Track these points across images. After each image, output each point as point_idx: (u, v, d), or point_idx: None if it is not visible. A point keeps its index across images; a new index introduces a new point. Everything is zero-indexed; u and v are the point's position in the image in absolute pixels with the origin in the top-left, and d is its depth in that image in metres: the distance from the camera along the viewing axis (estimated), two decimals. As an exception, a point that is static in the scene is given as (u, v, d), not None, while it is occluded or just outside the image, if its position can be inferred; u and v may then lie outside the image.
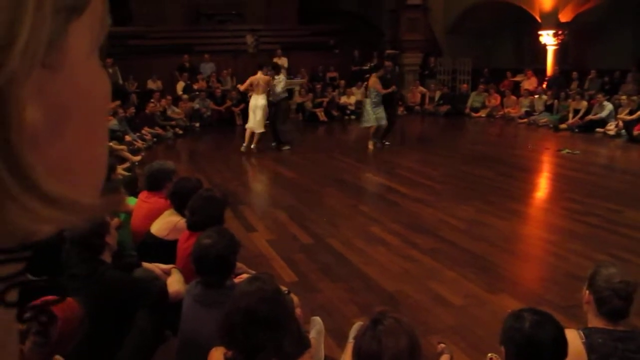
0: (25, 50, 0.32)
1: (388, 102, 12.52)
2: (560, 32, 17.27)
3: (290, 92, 17.84)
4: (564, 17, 17.06)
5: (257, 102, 12.25)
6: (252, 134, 12.39)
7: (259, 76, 12.27)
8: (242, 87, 13.09)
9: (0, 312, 0.39)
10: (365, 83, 13.24)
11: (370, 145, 12.62)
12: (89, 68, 0.39)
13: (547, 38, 17.53)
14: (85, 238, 3.25)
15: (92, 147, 0.40)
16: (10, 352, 0.43)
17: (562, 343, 2.27)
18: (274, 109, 12.63)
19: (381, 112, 12.29)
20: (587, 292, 2.70)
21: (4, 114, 0.32)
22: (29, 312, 0.46)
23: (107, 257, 3.42)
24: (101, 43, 0.40)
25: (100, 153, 0.42)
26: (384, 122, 12.43)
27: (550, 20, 17.21)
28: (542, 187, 9.99)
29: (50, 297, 2.18)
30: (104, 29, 0.40)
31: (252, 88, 12.39)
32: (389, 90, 12.37)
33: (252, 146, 12.39)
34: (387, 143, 13.01)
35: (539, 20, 17.56)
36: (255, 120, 12.25)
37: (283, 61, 18.69)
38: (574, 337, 2.54)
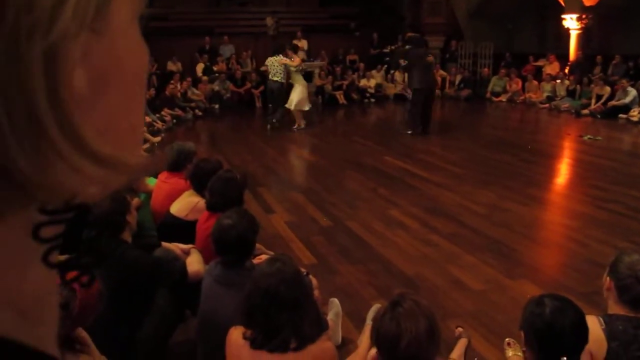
0: (76, 10, 0.32)
1: None
2: (584, 17, 17.02)
3: (309, 74, 17.89)
4: (589, 0, 16.81)
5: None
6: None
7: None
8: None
9: (43, 274, 0.40)
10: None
11: None
12: (129, 35, 0.40)
13: (571, 22, 17.29)
14: (105, 217, 3.27)
15: (132, 111, 0.41)
16: (53, 314, 0.44)
17: (583, 329, 2.26)
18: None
19: None
20: (608, 278, 2.68)
21: (55, 71, 0.32)
22: (67, 272, 0.47)
23: (127, 236, 3.44)
24: (141, 12, 0.41)
25: (139, 118, 0.43)
26: None
27: (574, 4, 16.97)
28: (564, 173, 9.90)
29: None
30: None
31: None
32: None
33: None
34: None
35: (563, 4, 17.32)
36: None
37: (303, 43, 18.67)
38: (593, 324, 2.52)
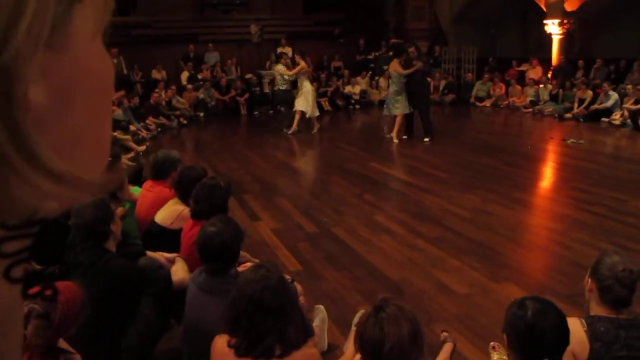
0: (29, 30, 0.33)
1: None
2: (565, 22, 17.16)
3: (293, 82, 18.07)
4: (570, 6, 16.96)
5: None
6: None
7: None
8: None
9: (5, 289, 0.40)
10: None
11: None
12: (92, 50, 0.40)
13: (553, 27, 17.43)
14: (90, 225, 3.26)
15: (97, 126, 0.41)
16: (16, 329, 0.44)
17: (564, 331, 2.28)
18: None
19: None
20: (590, 280, 2.71)
21: (8, 91, 0.32)
22: (35, 286, 0.47)
23: (112, 245, 3.43)
24: (105, 26, 0.41)
25: (105, 133, 0.43)
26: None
27: (556, 9, 17.11)
28: (548, 176, 9.97)
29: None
30: (108, 13, 0.41)
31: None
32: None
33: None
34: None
35: (545, 9, 17.47)
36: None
37: (287, 50, 18.71)
38: (576, 325, 2.54)
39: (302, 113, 13.16)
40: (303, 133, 13.29)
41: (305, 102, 13.06)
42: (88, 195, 0.39)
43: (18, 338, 0.45)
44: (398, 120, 12.22)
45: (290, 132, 13.19)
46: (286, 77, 13.14)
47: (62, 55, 0.36)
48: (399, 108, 12.10)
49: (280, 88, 13.56)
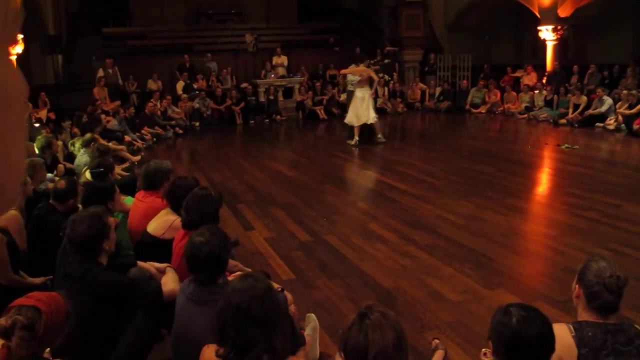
0: None
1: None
2: (559, 28, 17.24)
3: (290, 90, 18.10)
4: (563, 12, 17.03)
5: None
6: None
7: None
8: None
9: None
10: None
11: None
12: None
13: (547, 33, 17.50)
14: (83, 241, 3.26)
15: (4, 138, 0.41)
16: None
17: (549, 338, 2.27)
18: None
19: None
20: (577, 286, 2.71)
21: None
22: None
23: (103, 259, 3.41)
24: (13, 40, 0.41)
25: (16, 143, 0.42)
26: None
27: (549, 15, 17.19)
28: (542, 182, 9.97)
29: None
30: (13, 27, 0.41)
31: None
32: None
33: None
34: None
35: (538, 15, 17.54)
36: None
37: (283, 59, 18.75)
38: (563, 331, 2.54)
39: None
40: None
41: (351, 112, 13.20)
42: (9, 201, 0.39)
43: None
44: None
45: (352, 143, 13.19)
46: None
47: None
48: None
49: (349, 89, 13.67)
